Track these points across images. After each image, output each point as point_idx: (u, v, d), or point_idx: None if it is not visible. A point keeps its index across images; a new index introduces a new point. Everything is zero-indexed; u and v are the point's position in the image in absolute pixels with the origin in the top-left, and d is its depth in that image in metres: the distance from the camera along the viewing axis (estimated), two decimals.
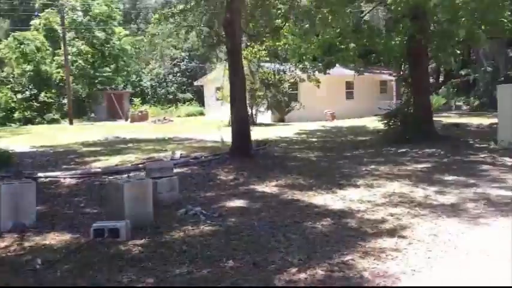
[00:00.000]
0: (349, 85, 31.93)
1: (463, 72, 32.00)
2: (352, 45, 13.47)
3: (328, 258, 4.96)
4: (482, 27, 14.31)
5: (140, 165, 10.73)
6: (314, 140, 17.64)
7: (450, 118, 26.52)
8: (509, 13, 14.12)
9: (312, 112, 28.94)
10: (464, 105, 36.79)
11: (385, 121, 15.59)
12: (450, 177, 9.39)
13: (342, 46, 14.87)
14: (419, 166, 11.01)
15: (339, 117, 29.10)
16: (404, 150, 13.64)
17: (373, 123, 20.31)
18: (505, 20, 14.05)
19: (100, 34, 36.83)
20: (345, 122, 26.19)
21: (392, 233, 5.79)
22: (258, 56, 23.93)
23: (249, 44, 20.21)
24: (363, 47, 16.21)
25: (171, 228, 6.14)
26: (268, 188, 8.79)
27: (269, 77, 25.46)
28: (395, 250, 5.16)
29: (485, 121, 22.09)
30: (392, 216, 6.56)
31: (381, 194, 7.96)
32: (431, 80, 45.18)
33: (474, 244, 5.34)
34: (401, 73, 15.76)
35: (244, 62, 19.44)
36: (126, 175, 8.35)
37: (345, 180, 9.33)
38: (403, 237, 5.62)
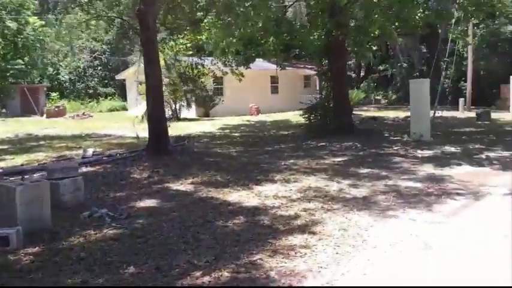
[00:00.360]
0: (274, 79, 32.13)
1: (381, 68, 33.35)
2: (271, 39, 13.41)
3: (236, 258, 4.78)
4: (396, 23, 14.87)
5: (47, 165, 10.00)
6: (237, 135, 17.51)
7: (369, 112, 27.52)
8: (421, 11, 14.76)
9: (237, 107, 28.86)
10: (383, 99, 38.41)
11: (306, 115, 15.76)
12: (364, 170, 9.58)
13: (262, 40, 14.81)
14: (337, 160, 11.18)
15: (264, 111, 29.22)
16: (323, 143, 13.85)
17: (297, 117, 20.52)
18: (417, 17, 14.68)
19: (12, 24, 34.34)
20: (269, 116, 26.32)
21: (303, 229, 5.72)
22: (175, 49, 23.34)
23: (167, 36, 19.62)
24: (283, 41, 16.26)
25: (70, 234, 5.67)
26: (183, 185, 8.48)
27: (187, 71, 24.90)
28: (305, 247, 5.08)
29: (401, 114, 23.10)
30: (305, 211, 6.51)
31: (297, 189, 7.92)
32: (353, 75, 46.95)
33: (382, 237, 5.39)
34: (321, 67, 15.99)
35: (162, 55, 18.92)
36: (21, 177, 7.65)
37: (262, 175, 9.23)
38: (314, 233, 5.56)
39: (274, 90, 32.88)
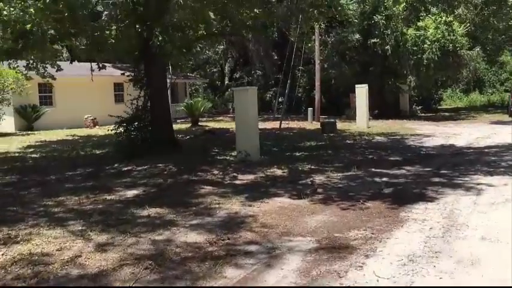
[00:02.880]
0: (119, 87, 28.62)
1: (237, 75, 31.75)
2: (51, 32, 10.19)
3: None
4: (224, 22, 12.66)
5: None
6: (35, 156, 13.94)
7: (220, 122, 25.47)
8: (248, 11, 12.71)
9: (71, 118, 24.92)
10: None
11: (118, 130, 12.85)
12: (149, 211, 6.97)
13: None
14: (129, 193, 8.46)
15: (105, 123, 25.51)
16: (131, 167, 11.09)
17: None
18: (246, 15, 12.61)
19: None
20: (105, 129, 22.79)
21: None
22: None
23: None
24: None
25: None
26: None
27: None
28: None
29: None
30: None
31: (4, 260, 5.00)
32: (217, 83, 45.07)
33: None
34: (136, 73, 13.21)
35: None
36: None
37: None
38: None
39: (120, 98, 29.31)
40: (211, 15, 11.33)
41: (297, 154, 12.65)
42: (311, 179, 9.24)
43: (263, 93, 32.71)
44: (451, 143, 14.98)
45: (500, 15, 29.03)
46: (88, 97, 26.20)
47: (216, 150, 13.32)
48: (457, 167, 10.33)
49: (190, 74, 42.52)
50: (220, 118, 30.10)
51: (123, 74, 12.09)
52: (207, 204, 7.44)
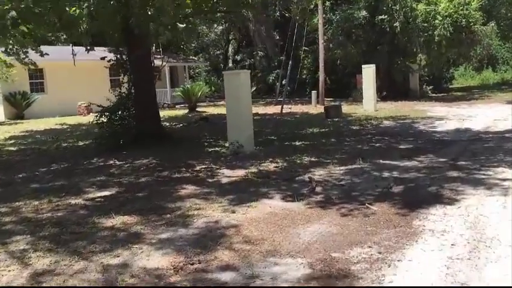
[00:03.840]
0: (115, 72, 27.38)
1: (238, 58, 30.39)
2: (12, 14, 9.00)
3: None
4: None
5: None
6: (12, 149, 12.88)
7: (218, 108, 24.26)
8: None
9: (63, 105, 23.87)
10: None
11: (101, 120, 11.74)
12: (112, 221, 5.87)
13: None
14: (100, 194, 7.38)
15: (98, 110, 24.55)
16: (112, 161, 10.00)
17: None
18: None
19: None
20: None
21: None
22: None
23: None
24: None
25: None
26: None
27: None
28: None
29: None
30: None
31: None
32: (221, 66, 43.64)
33: None
34: (119, 56, 12.03)
35: None
36: None
37: None
38: None
39: (116, 84, 28.05)
40: None
41: (297, 144, 11.47)
42: (309, 175, 8.06)
43: (266, 75, 31.39)
44: (467, 126, 13.70)
45: None
46: (82, 83, 25.05)
47: (209, 141, 12.17)
48: (476, 156, 9.10)
49: (193, 57, 41.18)
50: (222, 103, 28.85)
51: (103, 58, 10.90)
52: (185, 210, 6.31)
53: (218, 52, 43.66)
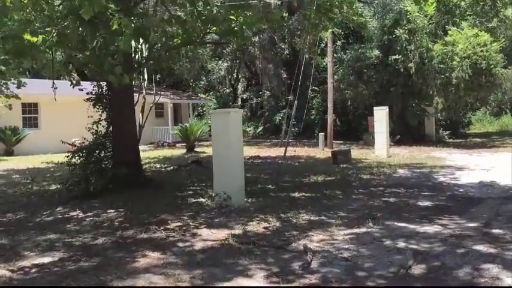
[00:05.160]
0: None
1: (244, 96, 29.23)
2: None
3: None
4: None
5: None
6: None
7: None
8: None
9: (57, 141, 22.55)
10: (253, 131, 34.35)
11: (72, 161, 10.31)
12: None
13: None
14: (35, 263, 5.81)
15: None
16: (74, 213, 8.48)
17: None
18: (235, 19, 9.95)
19: None
20: None
21: None
22: None
23: None
24: None
25: None
26: None
27: None
28: None
29: (249, 152, 18.58)
30: None
31: None
32: (230, 104, 42.55)
33: None
34: (98, 90, 10.73)
35: None
36: None
37: None
38: None
39: None
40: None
41: (296, 195, 9.85)
42: (304, 242, 6.41)
43: (272, 115, 30.12)
44: (493, 179, 11.96)
45: None
46: (78, 118, 23.80)
47: (195, 189, 10.61)
48: None
49: (202, 95, 40.20)
50: None
51: (81, 90, 9.57)
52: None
53: (228, 90, 42.80)
